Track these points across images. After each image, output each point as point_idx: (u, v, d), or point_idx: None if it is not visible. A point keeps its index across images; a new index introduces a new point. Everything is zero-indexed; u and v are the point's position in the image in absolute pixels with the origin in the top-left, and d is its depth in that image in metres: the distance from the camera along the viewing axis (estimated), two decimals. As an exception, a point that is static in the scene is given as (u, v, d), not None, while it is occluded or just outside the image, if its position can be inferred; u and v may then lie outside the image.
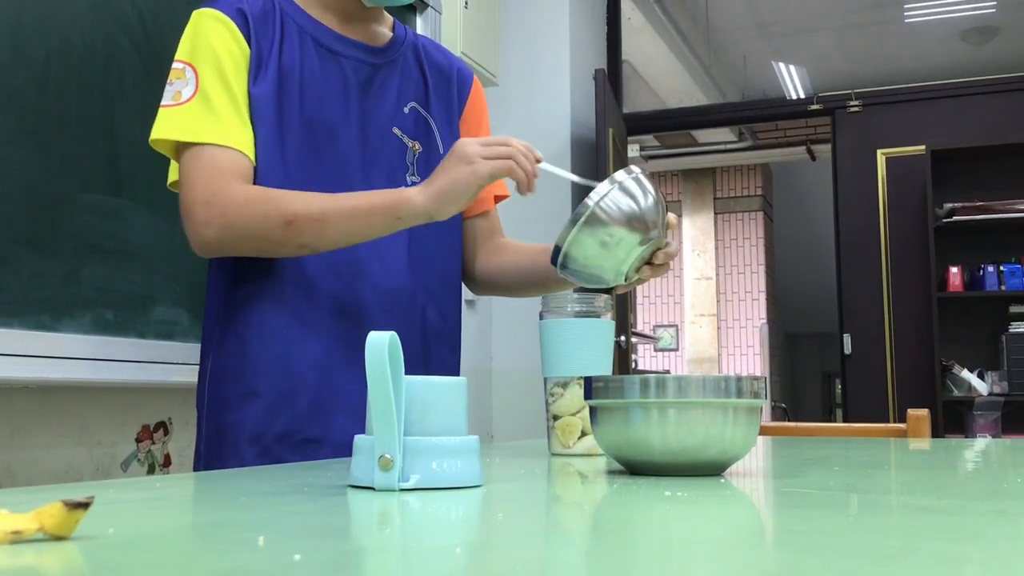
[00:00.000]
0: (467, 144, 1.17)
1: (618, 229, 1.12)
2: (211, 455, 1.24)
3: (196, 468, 1.27)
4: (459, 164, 1.15)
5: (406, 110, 1.35)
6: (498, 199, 1.48)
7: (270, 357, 1.23)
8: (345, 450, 1.10)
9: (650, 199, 1.14)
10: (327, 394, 1.23)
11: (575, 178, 1.26)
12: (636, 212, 1.12)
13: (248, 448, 1.21)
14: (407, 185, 1.31)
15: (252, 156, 1.21)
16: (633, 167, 1.17)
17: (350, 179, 1.27)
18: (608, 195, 1.11)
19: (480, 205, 1.45)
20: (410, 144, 1.34)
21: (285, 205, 1.16)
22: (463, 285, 1.47)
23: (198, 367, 1.31)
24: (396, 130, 1.33)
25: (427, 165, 1.33)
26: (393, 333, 0.70)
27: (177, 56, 1.23)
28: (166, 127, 1.21)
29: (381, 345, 0.69)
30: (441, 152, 1.36)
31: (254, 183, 1.21)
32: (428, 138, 1.37)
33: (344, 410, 1.23)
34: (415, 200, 1.16)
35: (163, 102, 1.22)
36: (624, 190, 1.12)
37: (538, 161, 1.20)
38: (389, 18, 1.41)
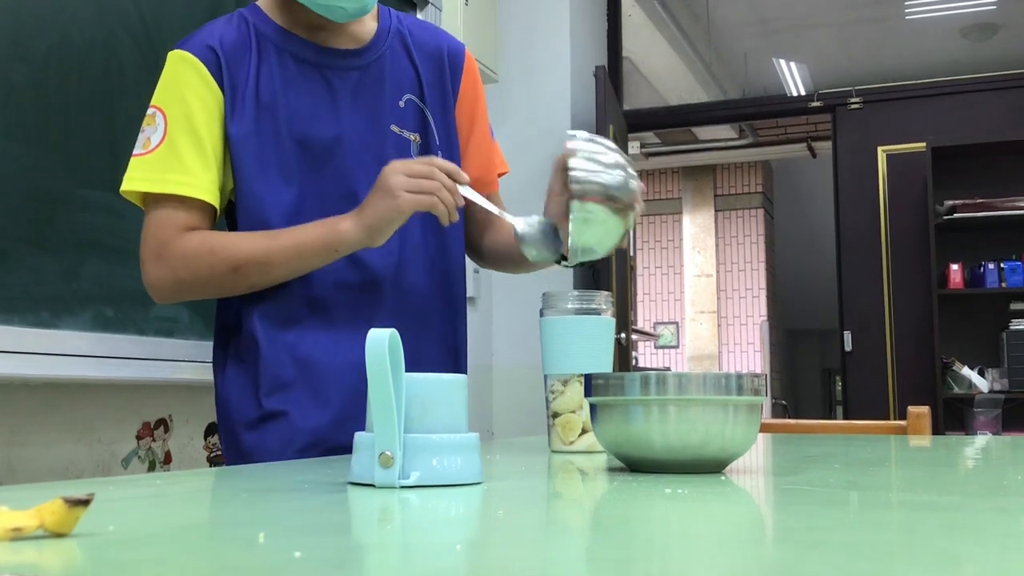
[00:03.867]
0: (391, 175, 1.18)
1: (603, 198, 1.14)
2: None
3: None
4: (384, 198, 1.18)
5: (401, 104, 1.35)
6: (499, 175, 1.49)
7: (284, 381, 1.24)
8: None
9: (612, 153, 1.17)
10: (354, 407, 1.23)
11: (495, 210, 1.27)
12: (609, 175, 1.15)
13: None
14: None
15: (215, 201, 1.24)
16: (576, 132, 1.19)
17: (357, 187, 1.27)
18: (581, 170, 1.14)
19: (485, 188, 1.46)
20: (411, 137, 1.34)
21: (230, 253, 1.21)
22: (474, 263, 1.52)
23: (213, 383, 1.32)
24: (394, 127, 1.33)
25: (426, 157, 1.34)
26: (393, 330, 0.70)
27: (152, 100, 1.26)
28: (134, 178, 1.23)
29: (381, 342, 0.68)
30: (437, 143, 1.37)
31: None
32: (425, 130, 1.37)
33: None
34: (350, 234, 1.20)
35: (134, 151, 1.24)
36: (590, 159, 1.15)
37: (462, 184, 1.22)
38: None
